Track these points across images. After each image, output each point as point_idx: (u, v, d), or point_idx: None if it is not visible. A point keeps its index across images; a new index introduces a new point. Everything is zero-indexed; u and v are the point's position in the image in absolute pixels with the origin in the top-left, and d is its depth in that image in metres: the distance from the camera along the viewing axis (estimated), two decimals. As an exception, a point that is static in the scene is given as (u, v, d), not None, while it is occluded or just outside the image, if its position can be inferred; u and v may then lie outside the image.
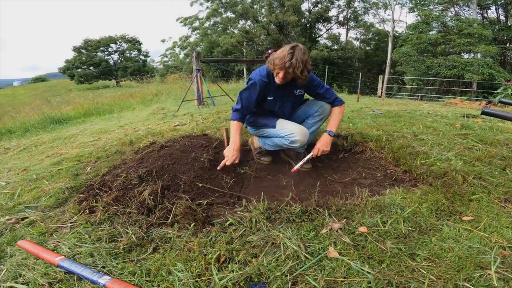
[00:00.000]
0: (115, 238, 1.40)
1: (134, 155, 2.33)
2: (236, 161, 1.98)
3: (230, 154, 1.95)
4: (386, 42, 20.93)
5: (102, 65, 29.66)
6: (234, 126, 2.00)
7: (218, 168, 2.00)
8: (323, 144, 2.04)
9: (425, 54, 15.45)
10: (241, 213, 1.55)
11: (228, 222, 1.48)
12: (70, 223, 1.57)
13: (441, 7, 16.69)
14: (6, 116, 8.49)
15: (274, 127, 2.04)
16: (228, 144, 2.06)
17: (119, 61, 31.47)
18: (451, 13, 16.77)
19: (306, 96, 2.22)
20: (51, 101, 12.52)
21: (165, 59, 31.91)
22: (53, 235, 1.48)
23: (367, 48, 26.47)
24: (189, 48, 25.94)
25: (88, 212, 1.61)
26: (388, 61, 18.66)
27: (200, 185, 1.76)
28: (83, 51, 30.03)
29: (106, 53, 31.20)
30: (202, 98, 5.65)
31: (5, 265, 1.25)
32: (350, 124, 3.12)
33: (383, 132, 2.72)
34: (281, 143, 2.05)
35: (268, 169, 2.25)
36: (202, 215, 1.48)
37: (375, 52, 25.21)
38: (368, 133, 2.70)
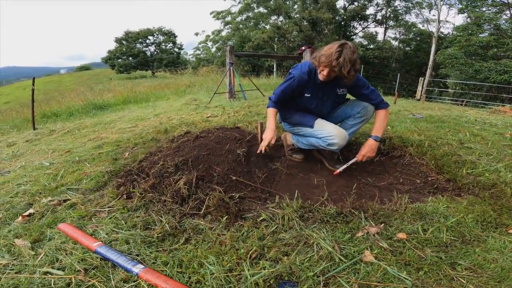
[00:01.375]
0: (149, 226, 1.44)
1: (170, 144, 2.39)
2: (272, 142, 1.95)
3: (267, 136, 1.95)
4: (429, 43, 19.82)
5: (140, 56, 30.65)
6: (270, 112, 2.00)
7: (258, 151, 2.02)
8: (369, 150, 1.94)
9: (474, 57, 14.39)
10: (273, 209, 1.54)
11: (260, 218, 1.47)
12: (108, 207, 1.63)
13: (495, 9, 15.41)
14: (53, 101, 9.09)
15: (311, 127, 1.98)
16: (261, 139, 2.05)
17: (155, 52, 32.47)
18: (506, 15, 15.44)
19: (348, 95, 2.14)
20: (94, 88, 13.21)
21: (198, 52, 32.56)
22: (92, 219, 1.53)
23: (407, 48, 25.12)
24: (221, 42, 26.21)
25: (125, 197, 1.68)
26: (430, 63, 17.65)
27: (234, 178, 1.76)
28: (124, 42, 31.27)
29: (144, 44, 32.21)
30: (233, 92, 5.69)
31: (44, 249, 1.29)
32: (388, 127, 2.98)
33: (425, 137, 2.57)
34: (318, 144, 2.00)
35: (300, 166, 2.21)
36: (234, 208, 1.48)
37: (415, 53, 23.88)
38: (409, 137, 2.55)
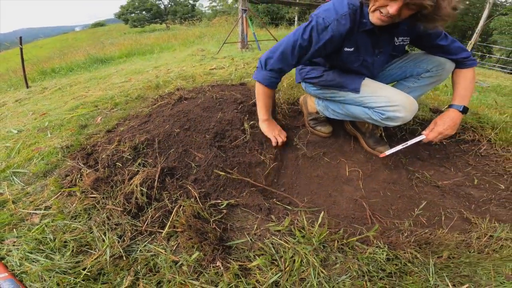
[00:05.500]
0: (85, 248, 0.91)
1: (145, 108, 1.76)
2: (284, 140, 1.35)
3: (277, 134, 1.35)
4: (479, 8, 18.67)
5: (153, 9, 29.60)
6: (262, 94, 1.31)
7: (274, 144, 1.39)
8: (450, 126, 1.23)
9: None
10: (278, 237, 0.91)
11: (253, 264, 0.84)
12: (44, 208, 1.14)
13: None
14: (56, 58, 8.68)
15: (357, 91, 1.26)
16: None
17: (169, 5, 31.22)
18: None
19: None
20: (104, 43, 12.71)
21: (214, 3, 30.78)
22: (14, 229, 1.05)
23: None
24: (238, -8, 24.03)
25: (67, 194, 1.13)
26: (479, 28, 16.35)
27: (222, 174, 1.13)
28: (136, -4, 30.10)
29: (157, -3, 31.00)
30: (246, 41, 4.95)
31: None
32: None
33: (510, 117, 1.76)
34: (365, 117, 1.30)
35: (325, 145, 1.55)
36: (215, 235, 0.87)
37: (462, 17, 21.51)
38: (486, 115, 1.75)
